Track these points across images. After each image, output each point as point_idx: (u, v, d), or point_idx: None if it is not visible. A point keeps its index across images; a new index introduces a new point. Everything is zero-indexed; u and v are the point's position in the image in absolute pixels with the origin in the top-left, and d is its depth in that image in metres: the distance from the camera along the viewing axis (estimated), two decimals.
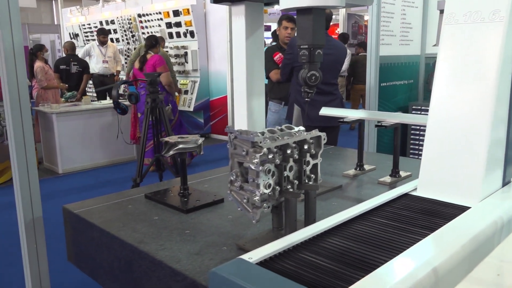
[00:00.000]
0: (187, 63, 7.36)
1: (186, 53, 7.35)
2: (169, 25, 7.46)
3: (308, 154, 1.34)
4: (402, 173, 1.99)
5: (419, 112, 4.02)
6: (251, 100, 2.24)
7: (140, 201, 1.75)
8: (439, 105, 1.47)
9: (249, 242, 1.33)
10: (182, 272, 1.16)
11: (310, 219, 1.35)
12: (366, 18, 13.85)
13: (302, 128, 1.41)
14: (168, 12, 7.33)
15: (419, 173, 1.45)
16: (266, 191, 1.21)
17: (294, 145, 1.29)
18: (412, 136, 4.17)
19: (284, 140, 1.28)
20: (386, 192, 1.42)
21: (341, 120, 2.03)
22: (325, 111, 2.16)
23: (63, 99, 6.66)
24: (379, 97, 3.86)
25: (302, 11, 1.68)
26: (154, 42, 5.46)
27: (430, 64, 4.36)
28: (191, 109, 7.30)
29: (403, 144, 4.25)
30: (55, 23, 14.67)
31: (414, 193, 1.43)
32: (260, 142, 1.20)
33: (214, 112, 7.58)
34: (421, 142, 4.09)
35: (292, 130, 1.38)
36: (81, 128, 5.71)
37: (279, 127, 1.39)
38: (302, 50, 1.69)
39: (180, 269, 1.18)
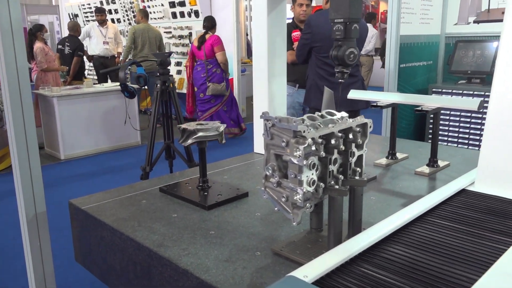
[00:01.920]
0: (191, 44, 7.10)
1: (190, 34, 7.09)
2: (172, 4, 7.19)
3: (353, 145, 1.15)
4: (440, 162, 1.81)
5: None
6: (272, 81, 2.05)
7: (154, 195, 1.57)
8: (502, 90, 1.27)
9: (286, 247, 1.15)
10: (213, 285, 0.99)
11: (356, 219, 1.17)
12: None
13: (344, 114, 1.22)
14: None
15: (478, 166, 1.27)
16: (310, 189, 1.03)
17: (339, 134, 1.11)
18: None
19: (328, 129, 1.10)
20: (440, 189, 1.24)
21: (374, 104, 1.84)
22: (354, 94, 1.97)
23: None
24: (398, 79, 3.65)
25: None
26: (213, 24, 5.88)
27: (451, 44, 4.14)
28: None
29: (421, 128, 4.06)
30: (53, 4, 14.32)
31: (472, 189, 1.25)
32: (304, 132, 1.02)
33: None
34: (444, 128, 3.89)
35: (335, 117, 1.19)
36: (84, 112, 5.50)
37: (319, 113, 1.20)
38: (336, 25, 1.50)
39: (210, 280, 1.01)
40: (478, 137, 3.67)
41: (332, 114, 1.20)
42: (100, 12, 7.31)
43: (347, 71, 1.58)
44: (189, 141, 1.50)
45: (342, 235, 1.12)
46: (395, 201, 1.47)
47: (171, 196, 1.55)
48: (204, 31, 5.92)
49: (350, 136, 1.14)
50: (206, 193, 1.53)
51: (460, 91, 3.75)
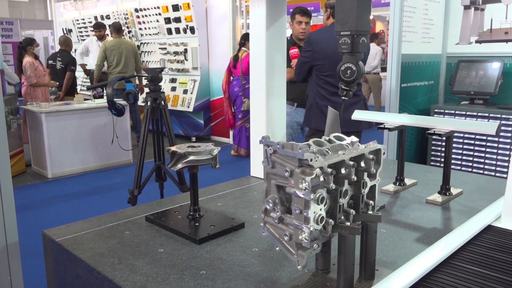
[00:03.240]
0: (186, 60, 7.00)
1: (185, 50, 6.99)
2: (167, 20, 7.10)
3: (365, 174, 1.01)
4: (452, 190, 1.66)
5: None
6: (271, 101, 1.90)
7: (140, 225, 1.41)
8: None
9: None
10: None
11: (369, 261, 1.02)
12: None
13: (354, 138, 1.08)
14: (167, 7, 6.97)
15: (504, 199, 1.12)
16: (318, 227, 0.88)
17: (351, 162, 0.96)
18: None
19: (338, 156, 0.95)
20: (463, 226, 1.09)
21: (381, 126, 1.70)
22: (359, 115, 1.83)
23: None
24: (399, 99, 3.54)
25: None
26: (245, 39, 5.88)
27: (452, 64, 4.04)
28: (191, 109, 6.94)
29: (423, 151, 3.93)
30: (49, 19, 14.26)
31: (498, 225, 1.11)
32: (311, 160, 0.87)
33: (215, 113, 7.23)
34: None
35: (344, 142, 1.05)
36: (73, 129, 5.33)
37: (327, 138, 1.05)
38: (343, 38, 1.37)
39: None
40: (493, 162, 3.51)
41: (340, 139, 1.06)
42: (98, 28, 7.18)
43: (346, 88, 1.45)
44: (179, 166, 1.35)
45: (353, 279, 0.97)
46: (408, 235, 1.32)
47: (158, 226, 1.39)
48: (238, 47, 6.05)
49: (362, 164, 1.00)
50: (197, 224, 1.37)
51: (464, 112, 3.63)
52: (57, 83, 6.47)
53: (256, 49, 1.87)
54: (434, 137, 1.53)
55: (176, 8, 6.82)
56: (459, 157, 3.70)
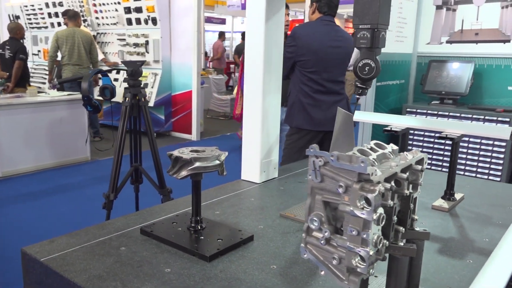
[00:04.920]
0: (147, 53, 6.71)
1: (147, 42, 6.69)
2: (127, 10, 6.77)
3: (411, 186, 0.91)
4: (456, 195, 1.62)
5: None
6: (267, 99, 1.78)
7: (135, 239, 1.24)
8: None
9: None
10: None
11: (414, 283, 0.93)
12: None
13: (394, 146, 0.98)
14: None
15: None
16: (375, 250, 0.77)
17: (405, 175, 0.86)
18: (415, 142, 3.85)
19: (392, 169, 0.85)
20: (505, 243, 1.02)
21: (388, 128, 1.62)
22: (361, 116, 1.75)
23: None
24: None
25: None
26: None
27: (422, 63, 4.09)
28: (151, 104, 6.66)
29: (401, 150, 3.93)
30: None
31: None
32: (372, 174, 0.76)
33: (176, 108, 6.99)
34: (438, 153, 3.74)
35: (386, 150, 0.94)
36: (25, 124, 4.94)
37: (368, 145, 0.95)
38: (361, 32, 1.27)
39: None
40: (487, 165, 3.50)
41: (382, 147, 0.95)
42: (66, 15, 6.68)
43: (362, 86, 1.35)
44: (184, 173, 1.20)
45: None
46: (428, 246, 1.24)
47: (157, 240, 1.23)
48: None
49: (410, 175, 0.90)
50: (202, 237, 1.23)
51: (435, 112, 3.68)
52: (7, 73, 5.98)
53: (253, 42, 1.74)
54: (444, 141, 1.47)
55: None
56: (440, 158, 3.74)
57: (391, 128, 1.61)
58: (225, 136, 7.43)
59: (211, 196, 1.63)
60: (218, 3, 17.46)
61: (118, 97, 2.56)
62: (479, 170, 3.50)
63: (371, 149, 0.93)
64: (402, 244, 0.84)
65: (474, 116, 3.48)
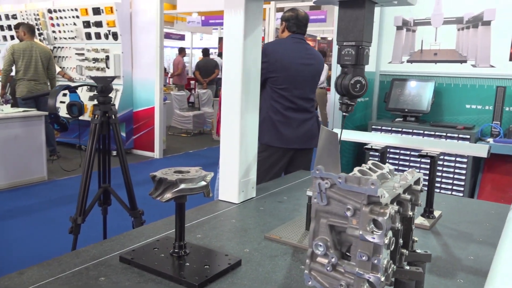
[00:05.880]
0: (108, 68, 6.53)
1: (107, 57, 6.52)
2: (87, 24, 6.58)
3: (413, 208, 0.90)
4: (435, 212, 1.64)
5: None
6: (245, 117, 1.74)
7: (114, 267, 1.16)
8: None
9: None
10: None
11: None
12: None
13: (390, 166, 0.97)
14: (86, 9, 6.46)
15: None
16: (385, 275, 0.75)
17: (408, 197, 0.85)
18: (371, 153, 3.91)
19: (395, 190, 0.83)
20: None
21: (368, 147, 1.63)
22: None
23: None
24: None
25: (349, 2, 1.29)
26: None
27: (385, 81, 4.20)
28: None
29: (360, 163, 3.99)
30: None
31: None
32: (381, 196, 0.74)
33: (138, 125, 6.81)
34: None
35: (384, 170, 0.93)
36: None
37: (367, 166, 0.93)
38: (346, 49, 1.28)
39: None
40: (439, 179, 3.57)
41: (379, 167, 0.94)
42: (18, 28, 6.35)
43: (352, 103, 1.35)
44: (168, 196, 1.13)
45: None
46: None
47: (139, 268, 1.15)
48: None
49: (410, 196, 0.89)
50: (187, 264, 1.17)
51: (400, 129, 3.77)
52: None
53: (231, 60, 1.71)
54: (423, 159, 1.48)
55: (97, 11, 6.35)
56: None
57: (371, 146, 1.61)
58: (189, 154, 7.31)
59: (189, 218, 1.57)
60: (177, 19, 17.40)
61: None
62: (443, 186, 3.61)
63: (370, 169, 0.92)
64: (408, 267, 0.82)
65: (437, 133, 3.60)
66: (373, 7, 1.30)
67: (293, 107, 2.77)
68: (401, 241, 0.82)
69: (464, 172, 3.47)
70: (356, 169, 0.88)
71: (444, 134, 3.55)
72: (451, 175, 3.54)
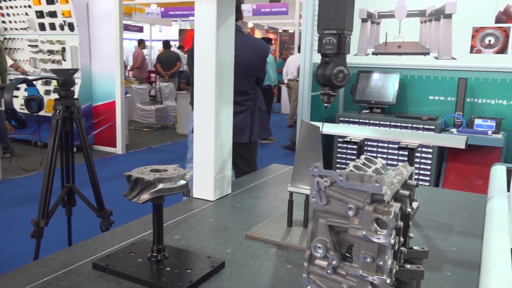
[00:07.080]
0: (64, 61, 6.23)
1: (63, 49, 6.22)
2: (40, 14, 6.25)
3: (410, 203, 0.87)
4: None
5: (347, 124, 3.83)
6: (220, 110, 1.68)
7: (87, 275, 1.07)
8: None
9: None
10: None
11: None
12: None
13: (382, 161, 0.94)
14: None
15: None
16: (390, 277, 0.71)
17: (406, 193, 0.81)
18: (339, 145, 3.93)
19: (394, 186, 0.80)
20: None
21: (347, 139, 1.60)
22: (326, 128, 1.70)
23: None
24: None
25: None
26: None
27: (351, 74, 4.22)
28: None
29: (328, 155, 4.02)
30: None
31: None
32: (385, 194, 0.70)
33: (98, 119, 6.56)
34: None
35: (378, 165, 0.90)
36: None
37: (361, 161, 0.89)
38: (327, 37, 1.23)
39: None
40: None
41: (373, 162, 0.90)
42: None
43: (334, 94, 1.31)
44: (145, 197, 1.06)
45: None
46: None
47: (115, 276, 1.07)
48: None
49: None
50: (167, 268, 1.09)
51: (367, 121, 3.81)
52: None
53: (203, 51, 1.63)
54: (401, 152, 1.47)
55: (51, 1, 6.03)
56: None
57: (350, 139, 1.58)
58: (152, 149, 7.13)
59: (164, 218, 1.48)
60: (136, 10, 16.94)
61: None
62: None
63: (364, 164, 0.88)
64: (409, 266, 0.79)
65: (403, 124, 3.66)
66: None
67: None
68: (401, 239, 0.79)
69: (429, 162, 3.55)
70: (351, 164, 0.83)
71: (410, 125, 3.61)
72: (417, 165, 3.61)
